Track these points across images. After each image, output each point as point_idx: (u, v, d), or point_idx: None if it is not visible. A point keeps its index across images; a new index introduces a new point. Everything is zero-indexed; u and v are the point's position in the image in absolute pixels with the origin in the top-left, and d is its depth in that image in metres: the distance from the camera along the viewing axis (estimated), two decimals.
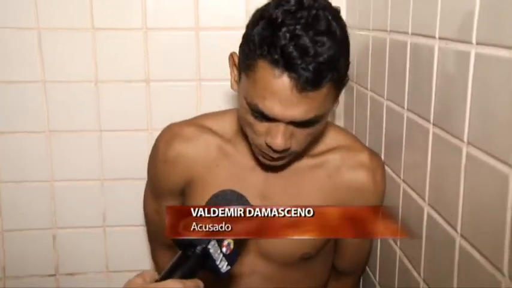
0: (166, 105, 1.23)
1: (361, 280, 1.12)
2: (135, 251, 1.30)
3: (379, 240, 0.99)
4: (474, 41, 0.61)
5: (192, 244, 0.66)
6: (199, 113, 1.06)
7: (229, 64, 0.86)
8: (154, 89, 1.23)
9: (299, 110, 0.75)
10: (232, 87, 0.87)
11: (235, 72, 0.85)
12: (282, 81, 0.73)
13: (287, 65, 0.72)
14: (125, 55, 1.21)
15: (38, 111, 1.22)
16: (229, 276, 0.96)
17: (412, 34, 0.80)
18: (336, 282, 1.08)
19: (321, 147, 0.95)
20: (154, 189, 1.02)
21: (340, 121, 1.29)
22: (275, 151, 0.81)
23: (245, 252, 0.94)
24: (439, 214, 0.72)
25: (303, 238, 0.91)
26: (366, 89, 1.05)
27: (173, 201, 1.00)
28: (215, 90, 1.24)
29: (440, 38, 0.70)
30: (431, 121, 0.74)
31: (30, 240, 1.30)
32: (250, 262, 0.95)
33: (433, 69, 0.72)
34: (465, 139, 0.64)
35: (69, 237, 1.30)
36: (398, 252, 0.88)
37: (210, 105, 1.24)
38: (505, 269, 0.56)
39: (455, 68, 0.66)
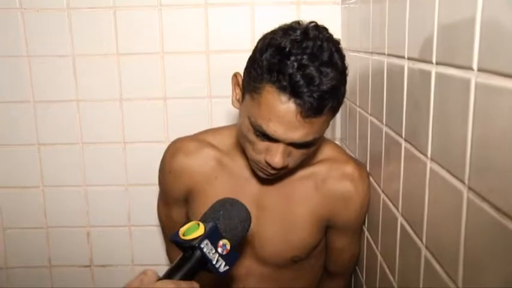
0: (181, 120, 1.22)
1: (353, 280, 1.06)
2: (155, 247, 1.29)
3: (365, 245, 0.93)
4: (434, 61, 0.55)
5: (190, 246, 0.62)
6: (211, 127, 1.03)
7: (232, 83, 0.82)
8: (171, 105, 1.21)
9: (300, 133, 0.72)
10: (233, 104, 0.82)
11: (238, 91, 0.81)
12: (288, 107, 0.70)
13: (294, 92, 0.69)
14: (145, 76, 1.20)
15: (72, 126, 1.23)
16: (228, 277, 0.92)
17: (388, 55, 0.75)
18: (330, 282, 1.03)
19: (311, 159, 0.90)
20: (164, 197, 1.00)
21: (338, 133, 1.23)
22: (273, 168, 0.77)
23: (242, 256, 0.91)
24: (409, 225, 0.66)
25: (293, 242, 0.89)
26: (355, 104, 1.00)
27: (179, 208, 0.98)
28: (225, 106, 1.21)
29: (408, 58, 0.65)
30: (403, 136, 0.68)
31: (69, 235, 1.31)
32: (246, 264, 0.91)
33: (404, 87, 0.67)
34: (429, 155, 0.58)
35: (101, 234, 1.30)
36: (379, 257, 0.82)
37: (220, 119, 1.22)
38: (460, 283, 0.50)
39: (420, 86, 0.60)
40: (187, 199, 0.94)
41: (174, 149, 0.94)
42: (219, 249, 0.62)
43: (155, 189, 1.11)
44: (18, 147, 1.25)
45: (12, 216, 1.30)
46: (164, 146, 1.00)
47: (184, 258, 0.62)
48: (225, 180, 0.90)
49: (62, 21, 1.17)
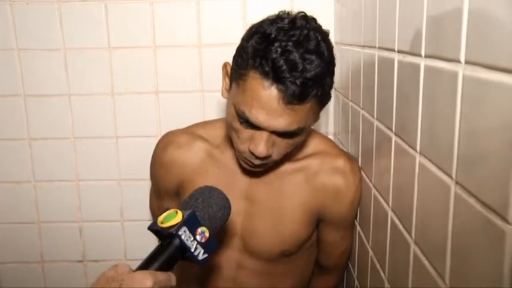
0: (174, 114, 1.21)
1: (345, 275, 1.06)
2: (148, 242, 1.27)
3: (357, 240, 0.92)
4: (423, 54, 0.55)
5: (168, 234, 0.60)
6: (203, 120, 1.03)
7: (222, 73, 0.82)
8: (163, 99, 1.20)
9: (283, 121, 0.71)
10: (222, 94, 0.82)
11: (227, 81, 0.80)
12: (270, 92, 0.69)
13: (276, 77, 0.68)
14: (137, 70, 1.19)
15: (64, 120, 1.22)
16: (219, 270, 0.92)
17: (379, 48, 0.74)
18: (322, 277, 1.02)
19: (302, 152, 0.89)
20: (155, 189, 1.00)
21: (331, 127, 1.23)
22: (257, 157, 0.76)
23: (232, 249, 0.90)
24: (399, 220, 0.66)
25: (283, 236, 0.88)
26: (348, 98, 0.99)
27: (171, 200, 0.97)
28: (217, 100, 1.20)
29: (398, 52, 0.64)
30: (394, 130, 0.67)
31: (61, 231, 1.30)
32: (237, 258, 0.91)
33: (394, 80, 0.66)
34: (418, 149, 0.58)
35: (93, 229, 1.29)
36: (370, 252, 0.82)
37: (213, 113, 1.21)
38: (447, 279, 0.49)
39: (410, 79, 0.60)
40: (178, 192, 0.94)
41: (165, 141, 0.94)
42: (198, 237, 0.60)
43: (148, 184, 1.11)
44: (9, 141, 1.24)
45: (3, 211, 1.29)
46: (156, 141, 1.00)
47: (162, 247, 0.59)
48: (215, 173, 0.90)
49: (52, 14, 1.16)
